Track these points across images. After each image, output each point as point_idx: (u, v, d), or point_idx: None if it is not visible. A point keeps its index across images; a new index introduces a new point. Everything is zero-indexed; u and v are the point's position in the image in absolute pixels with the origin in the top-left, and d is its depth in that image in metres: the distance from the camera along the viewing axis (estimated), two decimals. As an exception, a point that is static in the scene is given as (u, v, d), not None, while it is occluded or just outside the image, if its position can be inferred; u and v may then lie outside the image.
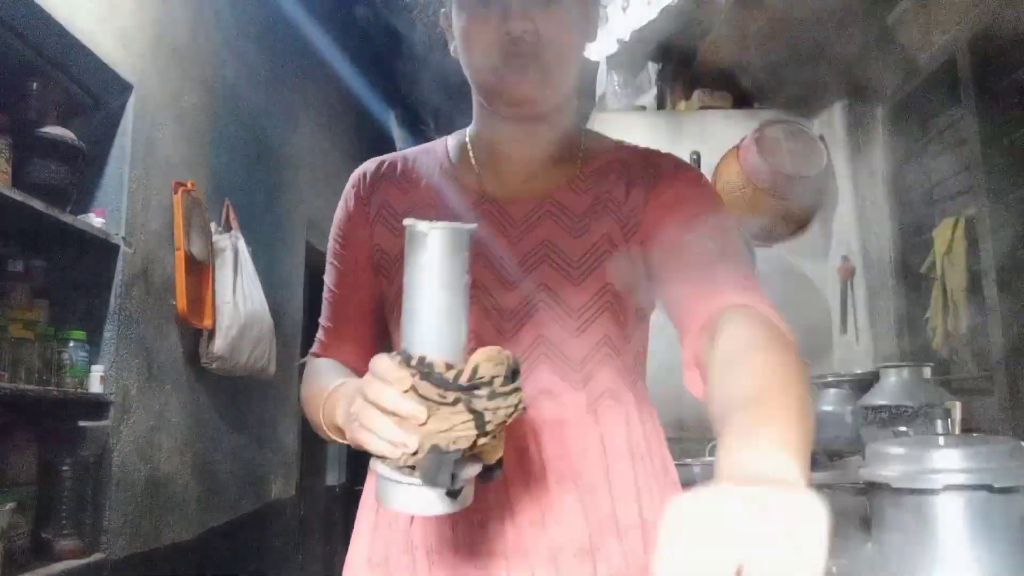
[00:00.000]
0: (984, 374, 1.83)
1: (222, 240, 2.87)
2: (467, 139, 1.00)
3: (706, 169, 2.50)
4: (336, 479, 4.83)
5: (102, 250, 2.29)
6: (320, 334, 1.02)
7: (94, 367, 2.23)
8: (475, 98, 0.97)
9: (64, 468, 2.11)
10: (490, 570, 0.83)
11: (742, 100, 2.60)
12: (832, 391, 1.99)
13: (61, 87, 2.22)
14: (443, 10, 0.97)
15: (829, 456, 1.94)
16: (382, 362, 0.65)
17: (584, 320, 0.89)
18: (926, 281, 2.07)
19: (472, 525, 0.84)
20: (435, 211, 0.94)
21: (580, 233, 0.91)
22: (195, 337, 2.77)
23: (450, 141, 1.03)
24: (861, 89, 2.31)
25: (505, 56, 0.86)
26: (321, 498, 4.64)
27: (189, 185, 2.68)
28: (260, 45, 3.53)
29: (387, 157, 1.07)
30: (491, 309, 0.90)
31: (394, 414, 0.63)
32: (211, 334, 2.75)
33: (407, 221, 0.67)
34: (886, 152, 2.25)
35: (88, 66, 2.24)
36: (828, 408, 1.96)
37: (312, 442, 4.52)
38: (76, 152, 2.18)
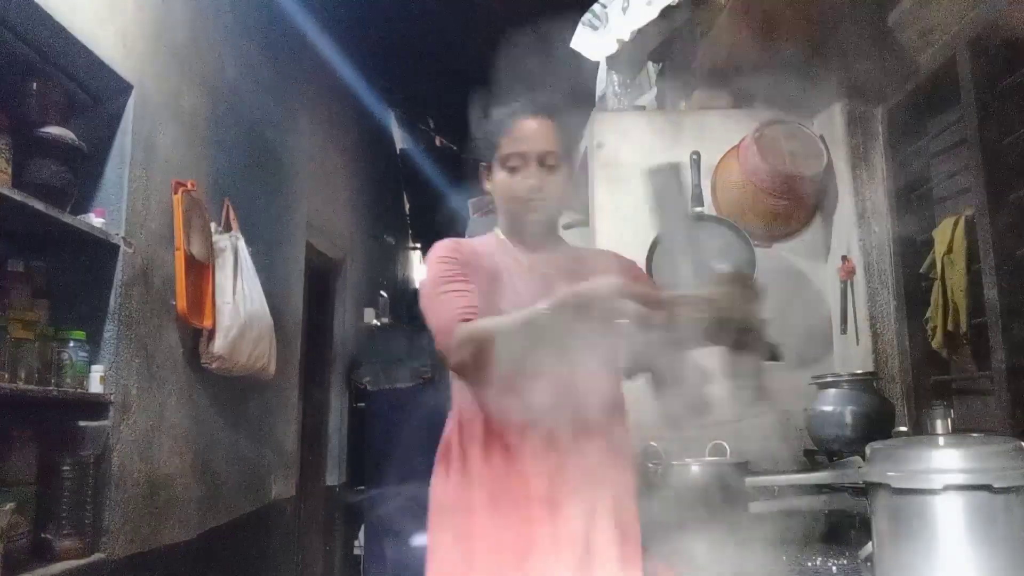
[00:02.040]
0: (984, 374, 1.83)
1: (222, 240, 2.87)
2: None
3: (706, 169, 2.50)
4: (336, 479, 4.83)
5: (102, 250, 2.29)
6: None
7: (94, 367, 2.23)
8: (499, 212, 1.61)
9: (64, 468, 2.11)
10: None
11: (742, 100, 2.60)
12: (832, 391, 1.99)
13: (61, 87, 2.22)
14: (483, 164, 1.56)
15: (829, 456, 1.94)
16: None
17: None
18: (926, 281, 2.06)
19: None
20: None
21: None
22: (195, 337, 2.77)
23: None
24: (861, 89, 2.31)
25: (536, 205, 1.52)
26: (321, 498, 4.64)
27: (189, 185, 2.68)
28: (260, 45, 3.53)
29: None
30: None
31: None
32: (211, 334, 2.75)
33: None
34: (886, 152, 2.25)
35: (88, 66, 2.24)
36: (828, 408, 1.96)
37: (312, 442, 4.52)
38: (76, 152, 2.18)
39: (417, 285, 1.78)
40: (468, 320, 1.37)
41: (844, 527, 1.56)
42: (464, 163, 6.60)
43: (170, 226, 2.60)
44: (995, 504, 0.80)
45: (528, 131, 1.50)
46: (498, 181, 1.52)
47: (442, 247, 1.52)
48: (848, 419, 1.91)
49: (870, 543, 1.26)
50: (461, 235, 3.01)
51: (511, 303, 1.42)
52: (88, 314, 2.27)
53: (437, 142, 7.38)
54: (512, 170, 1.49)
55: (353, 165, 5.40)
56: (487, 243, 1.59)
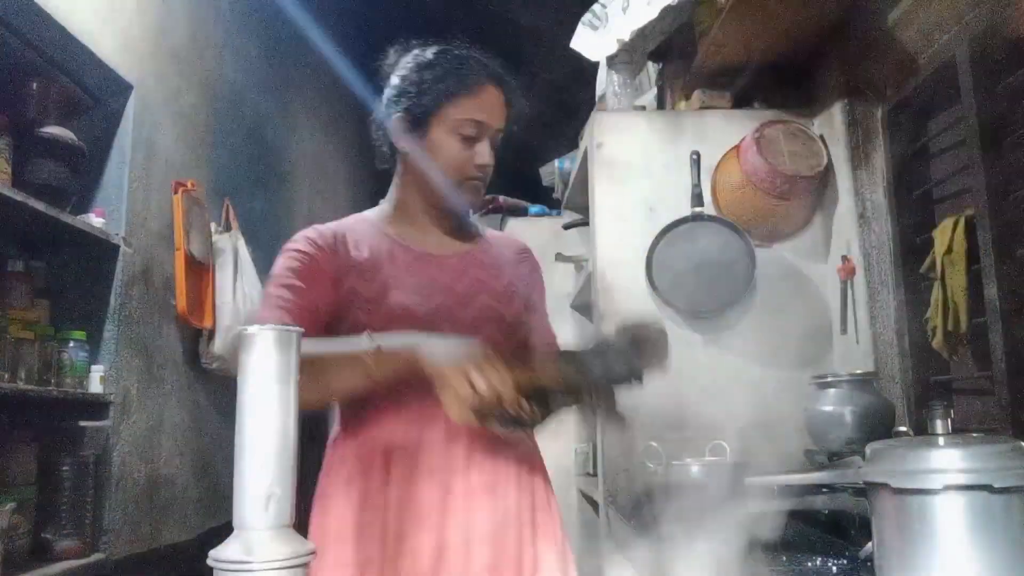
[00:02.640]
0: (984, 374, 1.83)
1: (222, 240, 2.87)
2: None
3: (706, 169, 2.50)
4: (336, 479, 4.83)
5: (102, 250, 2.29)
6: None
7: (94, 367, 2.23)
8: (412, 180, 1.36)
9: (64, 468, 2.11)
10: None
11: (742, 100, 2.60)
12: (832, 391, 1.99)
13: (61, 87, 2.22)
14: (398, 113, 1.31)
15: (829, 456, 1.93)
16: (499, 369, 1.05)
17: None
18: (926, 281, 2.06)
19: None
20: None
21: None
22: (195, 337, 2.77)
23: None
24: (861, 89, 2.31)
25: (478, 187, 1.33)
26: (321, 498, 4.63)
27: (189, 185, 2.68)
28: (260, 45, 3.53)
29: None
30: None
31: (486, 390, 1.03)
32: (211, 334, 2.75)
33: None
34: (886, 152, 2.25)
35: (88, 66, 2.24)
36: (828, 408, 1.96)
37: (312, 442, 4.51)
38: (76, 152, 2.18)
39: None
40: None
41: (844, 527, 1.56)
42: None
43: (170, 226, 2.60)
44: (995, 504, 0.80)
45: (494, 100, 1.31)
46: (440, 145, 1.29)
47: (299, 238, 1.33)
48: (848, 419, 1.91)
49: (870, 543, 1.26)
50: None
51: (397, 298, 1.27)
52: (88, 314, 2.28)
53: (437, 142, 7.37)
54: (464, 139, 1.29)
55: (353, 165, 5.40)
56: (358, 229, 1.39)
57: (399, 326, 1.21)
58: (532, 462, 1.38)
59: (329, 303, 1.27)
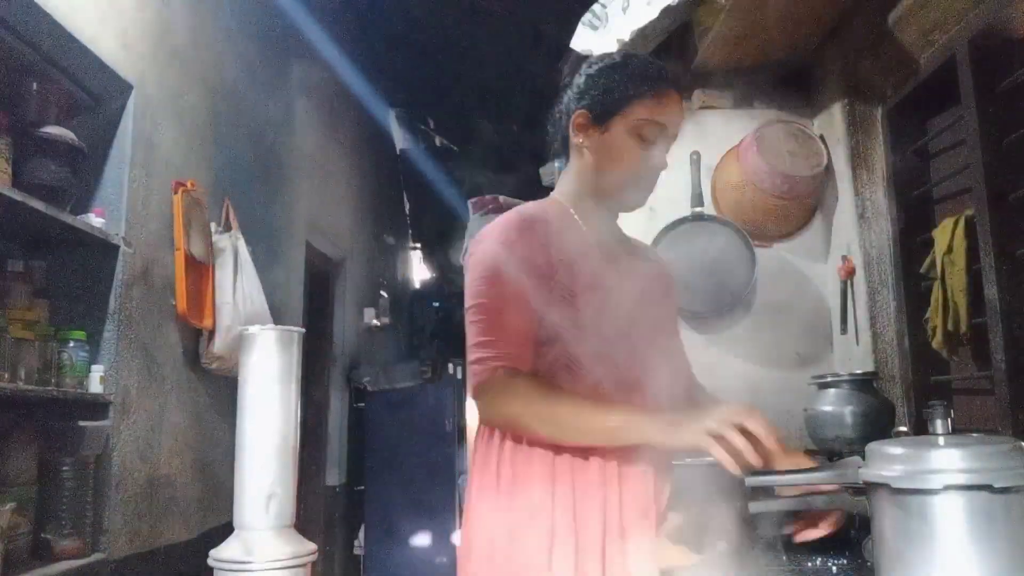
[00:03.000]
0: (984, 374, 1.83)
1: (222, 240, 2.87)
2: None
3: (706, 169, 2.50)
4: (336, 479, 4.83)
5: (102, 250, 2.29)
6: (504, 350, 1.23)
7: (94, 367, 2.23)
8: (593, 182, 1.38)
9: (64, 468, 2.11)
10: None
11: (742, 100, 2.60)
12: (832, 391, 1.99)
13: (61, 87, 2.22)
14: (580, 110, 1.34)
15: (829, 456, 1.94)
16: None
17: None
18: (926, 281, 2.06)
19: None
20: None
21: None
22: (195, 337, 2.77)
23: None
24: (861, 89, 2.31)
25: (650, 187, 1.38)
26: (321, 498, 4.64)
27: (189, 185, 2.68)
28: (260, 45, 3.53)
29: None
30: None
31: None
32: (211, 334, 2.75)
33: None
34: (886, 152, 2.25)
35: (88, 66, 2.24)
36: (828, 408, 1.96)
37: (312, 442, 4.52)
38: (76, 152, 2.18)
39: (472, 257, 1.36)
40: (513, 370, 1.21)
41: (844, 527, 1.56)
42: (459, 158, 6.60)
43: (170, 226, 2.60)
44: (995, 504, 0.80)
45: (674, 105, 1.34)
46: (620, 145, 1.32)
47: (513, 226, 1.29)
48: (848, 419, 1.91)
49: (870, 543, 1.26)
50: (461, 235, 2.99)
51: (585, 292, 1.29)
52: (88, 314, 2.28)
53: (437, 142, 7.39)
54: (643, 140, 1.32)
55: (353, 165, 5.40)
56: (551, 214, 1.36)
57: (601, 323, 1.27)
58: None
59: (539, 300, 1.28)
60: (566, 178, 1.43)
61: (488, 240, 1.30)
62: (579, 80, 1.38)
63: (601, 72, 1.36)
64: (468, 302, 1.28)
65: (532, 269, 1.26)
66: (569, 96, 1.39)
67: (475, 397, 1.24)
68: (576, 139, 1.36)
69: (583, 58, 1.44)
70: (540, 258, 1.27)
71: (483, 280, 1.27)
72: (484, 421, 1.29)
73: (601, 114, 1.33)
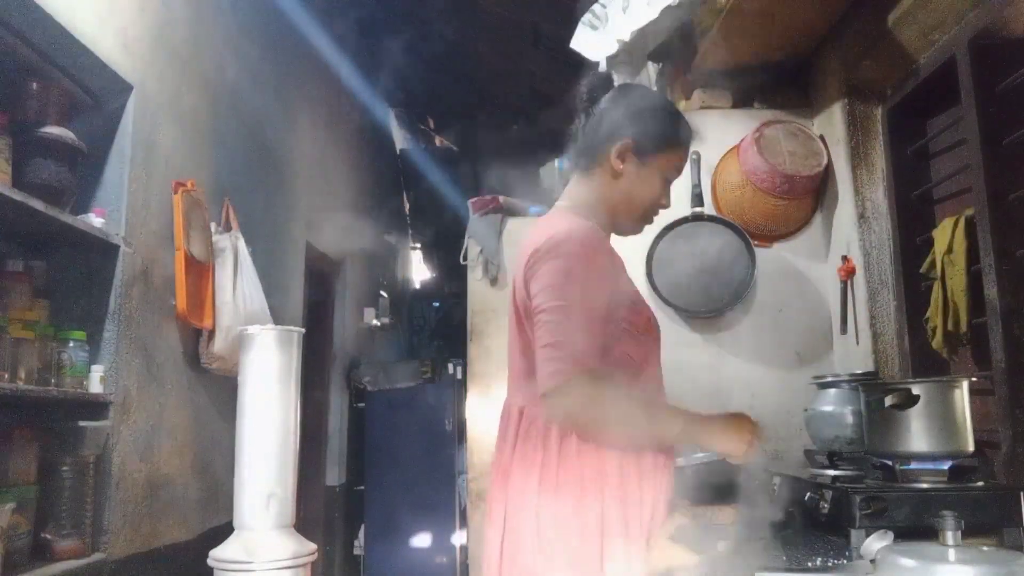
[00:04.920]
0: (984, 374, 1.83)
1: (222, 240, 2.87)
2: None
3: (706, 169, 2.50)
4: (336, 479, 4.83)
5: (102, 250, 2.29)
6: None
7: (94, 367, 2.23)
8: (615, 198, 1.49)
9: (64, 468, 2.11)
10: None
11: (742, 100, 2.60)
12: (832, 391, 1.99)
13: (61, 87, 2.22)
14: (627, 139, 1.44)
15: (829, 456, 1.94)
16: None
17: None
18: (926, 281, 2.06)
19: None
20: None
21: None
22: (195, 337, 2.77)
23: None
24: (861, 89, 2.31)
25: (652, 221, 1.56)
26: (321, 498, 4.64)
27: (189, 185, 2.68)
28: (261, 45, 3.53)
29: None
30: None
31: None
32: (211, 334, 2.75)
33: None
34: (886, 152, 2.25)
35: (88, 66, 2.24)
36: (828, 408, 1.96)
37: (312, 442, 4.52)
38: (76, 152, 2.18)
39: (556, 255, 1.34)
40: (588, 368, 1.26)
41: (844, 527, 1.56)
42: (459, 158, 6.60)
43: (170, 226, 2.60)
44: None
45: (687, 160, 1.59)
46: (652, 180, 1.47)
47: (594, 239, 1.40)
48: (848, 419, 1.91)
49: (870, 540, 1.26)
50: (461, 235, 2.99)
51: (622, 304, 1.42)
52: (88, 314, 2.27)
53: (437, 142, 7.39)
54: (664, 183, 1.49)
55: (353, 165, 5.40)
56: (602, 235, 1.48)
57: (646, 332, 1.45)
58: None
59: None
60: (585, 189, 1.50)
61: (570, 244, 1.35)
62: (630, 109, 1.47)
63: (655, 112, 1.49)
64: (547, 302, 1.31)
65: (607, 283, 1.38)
66: (615, 120, 1.47)
67: (547, 395, 1.27)
68: (616, 163, 1.45)
69: (606, 77, 1.55)
70: (611, 275, 1.40)
71: (568, 282, 1.31)
72: (555, 420, 1.33)
73: (646, 148, 1.45)
